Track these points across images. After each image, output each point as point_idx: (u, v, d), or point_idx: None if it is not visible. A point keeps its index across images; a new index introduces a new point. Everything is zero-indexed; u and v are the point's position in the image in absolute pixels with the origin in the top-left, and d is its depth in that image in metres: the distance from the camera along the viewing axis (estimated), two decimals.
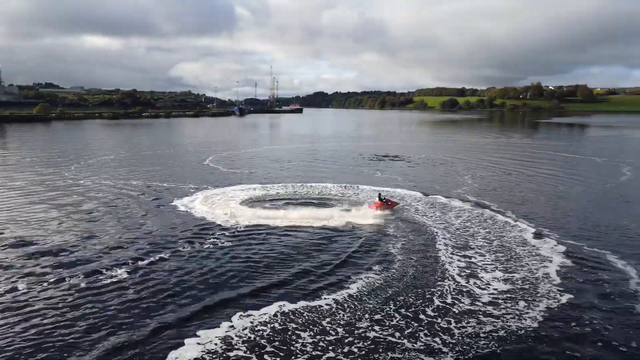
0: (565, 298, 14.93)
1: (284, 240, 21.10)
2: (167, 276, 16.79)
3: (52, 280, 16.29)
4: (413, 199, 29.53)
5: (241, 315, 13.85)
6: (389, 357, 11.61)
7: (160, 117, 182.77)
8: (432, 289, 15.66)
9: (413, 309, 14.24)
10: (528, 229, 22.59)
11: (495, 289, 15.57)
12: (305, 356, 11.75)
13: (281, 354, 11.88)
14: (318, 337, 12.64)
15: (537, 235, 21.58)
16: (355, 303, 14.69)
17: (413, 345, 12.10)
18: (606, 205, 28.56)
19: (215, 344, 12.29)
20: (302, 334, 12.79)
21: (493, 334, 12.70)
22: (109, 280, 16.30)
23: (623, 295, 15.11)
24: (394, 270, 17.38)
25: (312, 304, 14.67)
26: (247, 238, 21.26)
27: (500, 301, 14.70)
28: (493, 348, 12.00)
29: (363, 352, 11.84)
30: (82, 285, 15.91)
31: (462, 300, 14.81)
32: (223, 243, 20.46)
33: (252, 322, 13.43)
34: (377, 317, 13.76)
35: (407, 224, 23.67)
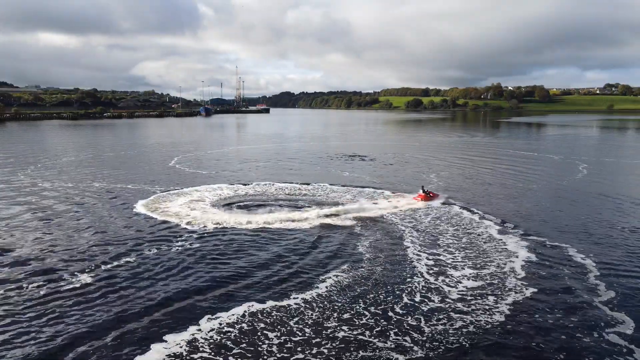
0: (529, 292, 15.25)
1: (252, 241, 20.73)
2: (132, 280, 16.15)
3: (9, 287, 15.37)
4: (380, 197, 29.70)
5: (209, 317, 13.47)
6: (359, 357, 11.51)
7: (123, 117, 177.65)
8: (401, 287, 15.69)
9: (382, 307, 14.21)
10: (493, 225, 23.08)
11: (465, 286, 15.73)
12: (272, 357, 11.50)
13: (248, 355, 11.59)
14: (286, 337, 12.41)
15: (502, 231, 22.06)
16: (324, 302, 14.55)
17: (383, 344, 12.04)
18: (565, 201, 29.57)
19: (182, 347, 11.89)
20: (270, 335, 12.55)
21: (463, 329, 12.80)
22: (70, 286, 15.52)
23: (583, 288, 15.56)
24: (362, 269, 17.34)
25: (281, 304, 14.44)
26: (214, 240, 20.77)
27: (469, 297, 14.86)
28: (463, 343, 12.10)
29: (332, 352, 11.68)
30: (42, 292, 15.10)
31: (432, 297, 14.89)
32: (191, 245, 19.90)
33: (220, 324, 13.08)
34: (346, 316, 13.66)
35: (375, 223, 23.75)
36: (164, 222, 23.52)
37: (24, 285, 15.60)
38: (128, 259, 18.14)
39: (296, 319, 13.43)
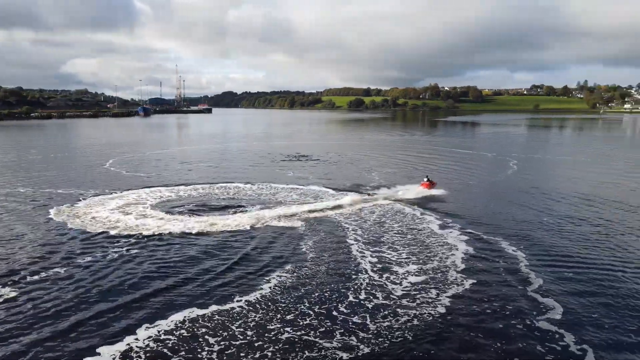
0: (469, 283, 15.78)
1: (194, 245, 19.95)
2: (62, 290, 14.95)
3: None
4: (325, 196, 29.77)
5: (147, 326, 12.76)
6: (303, 357, 11.34)
7: (52, 117, 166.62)
8: (346, 285, 15.68)
9: (327, 306, 14.13)
10: (434, 221, 23.75)
11: (409, 281, 15.96)
12: None
13: None
14: (227, 341, 11.98)
15: (443, 226, 22.74)
16: (268, 304, 14.24)
17: (329, 344, 11.93)
18: (498, 195, 31.08)
19: (116, 359, 11.20)
20: (211, 340, 12.06)
21: (407, 324, 12.96)
22: None
23: (515, 278, 16.29)
24: (307, 269, 17.19)
25: (223, 307, 13.96)
26: (152, 245, 19.77)
27: (413, 292, 15.08)
28: (407, 337, 12.22)
29: (276, 354, 11.41)
30: None
31: (376, 294, 14.98)
32: (127, 252, 18.79)
33: (158, 332, 12.40)
34: (290, 316, 13.44)
35: (320, 221, 23.72)
36: (96, 228, 22.11)
37: None
38: (55, 270, 16.80)
39: (239, 322, 13.03)
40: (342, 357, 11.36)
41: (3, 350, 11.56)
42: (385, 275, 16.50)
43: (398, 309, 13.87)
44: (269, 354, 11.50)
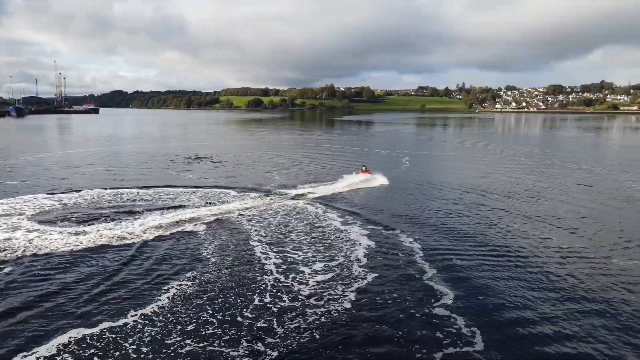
0: (372, 277, 16.19)
1: (81, 258, 17.83)
2: None
3: None
4: (227, 197, 28.84)
5: (24, 355, 11.11)
6: None
7: None
8: (251, 289, 15.16)
9: (231, 312, 13.54)
10: (336, 218, 24.16)
11: (315, 280, 15.90)
12: None
13: None
14: None
15: (345, 223, 23.20)
16: (167, 315, 13.25)
17: (235, 352, 11.38)
18: (393, 190, 32.68)
19: None
20: None
21: (315, 322, 12.84)
22: None
23: (413, 269, 17.05)
24: (208, 275, 16.36)
25: (115, 324, 12.66)
26: (27, 262, 17.21)
27: (320, 290, 15.03)
28: (315, 337, 12.09)
29: None
30: None
31: (282, 296, 14.68)
32: None
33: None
34: (191, 327, 12.63)
35: (222, 224, 22.85)
36: None
37: None
38: None
39: (133, 339, 11.89)
40: None
41: None
42: (291, 276, 16.29)
43: (305, 309, 13.75)
44: None
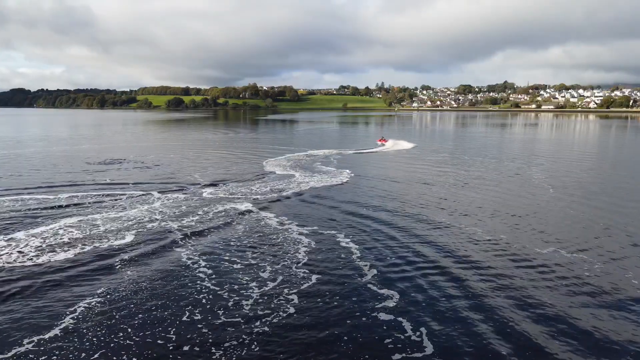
0: (315, 278, 15.85)
1: None
2: None
3: None
4: (152, 200, 26.97)
5: None
6: None
7: None
8: (178, 304, 13.94)
9: (153, 332, 12.30)
10: (272, 218, 23.56)
11: (256, 287, 15.20)
12: None
13: None
14: None
15: (281, 223, 22.63)
16: (73, 339, 11.65)
17: None
18: (325, 190, 32.62)
19: None
20: None
21: (258, 331, 12.18)
22: None
23: (352, 269, 16.87)
24: (124, 290, 14.72)
25: (7, 355, 10.92)
26: None
27: (260, 299, 14.34)
28: (256, 348, 11.56)
29: None
30: None
31: (218, 310, 13.73)
32: None
33: None
34: (101, 352, 11.43)
35: (142, 229, 21.19)
36: None
37: None
38: None
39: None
40: None
41: None
42: (226, 286, 15.25)
43: (243, 321, 12.91)
44: None
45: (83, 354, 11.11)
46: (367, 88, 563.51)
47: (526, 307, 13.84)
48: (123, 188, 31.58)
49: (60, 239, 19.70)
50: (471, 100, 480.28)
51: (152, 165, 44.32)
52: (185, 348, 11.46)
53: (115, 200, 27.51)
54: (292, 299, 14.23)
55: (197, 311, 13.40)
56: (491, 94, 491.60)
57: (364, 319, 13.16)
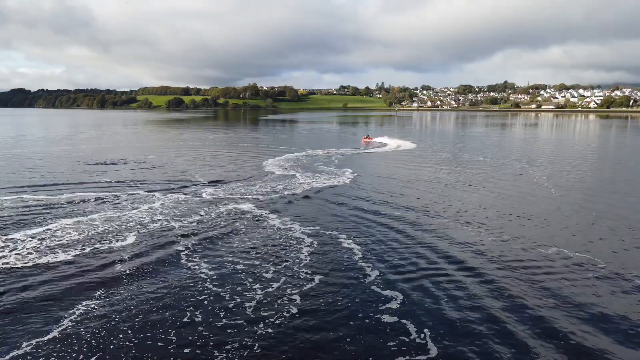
0: (318, 278, 15.67)
1: None
2: None
3: None
4: (152, 200, 26.80)
5: None
6: None
7: None
8: (180, 305, 13.77)
9: (154, 333, 12.18)
10: (274, 218, 23.39)
11: (257, 289, 15.02)
12: None
13: None
14: None
15: (283, 223, 22.47)
16: (72, 341, 11.58)
17: None
18: (328, 190, 32.45)
19: None
20: None
21: (260, 332, 12.07)
22: None
23: (353, 268, 16.73)
24: (124, 291, 14.56)
25: (5, 358, 10.79)
26: None
27: (264, 300, 14.17)
28: (258, 349, 11.41)
29: None
30: None
31: (220, 311, 13.55)
32: None
33: None
34: (99, 355, 11.29)
35: (143, 229, 21.03)
36: None
37: None
38: None
39: None
40: None
41: None
42: (227, 287, 15.07)
43: (245, 323, 12.74)
44: None
45: (82, 357, 10.91)
46: (367, 88, 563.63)
47: (531, 310, 13.67)
48: (123, 188, 31.40)
49: (60, 239, 19.53)
50: (471, 100, 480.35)
51: (153, 165, 44.17)
52: (187, 350, 11.29)
53: (116, 200, 27.35)
54: (295, 300, 14.07)
55: (198, 313, 13.23)
56: (491, 94, 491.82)
57: (367, 320, 12.97)
